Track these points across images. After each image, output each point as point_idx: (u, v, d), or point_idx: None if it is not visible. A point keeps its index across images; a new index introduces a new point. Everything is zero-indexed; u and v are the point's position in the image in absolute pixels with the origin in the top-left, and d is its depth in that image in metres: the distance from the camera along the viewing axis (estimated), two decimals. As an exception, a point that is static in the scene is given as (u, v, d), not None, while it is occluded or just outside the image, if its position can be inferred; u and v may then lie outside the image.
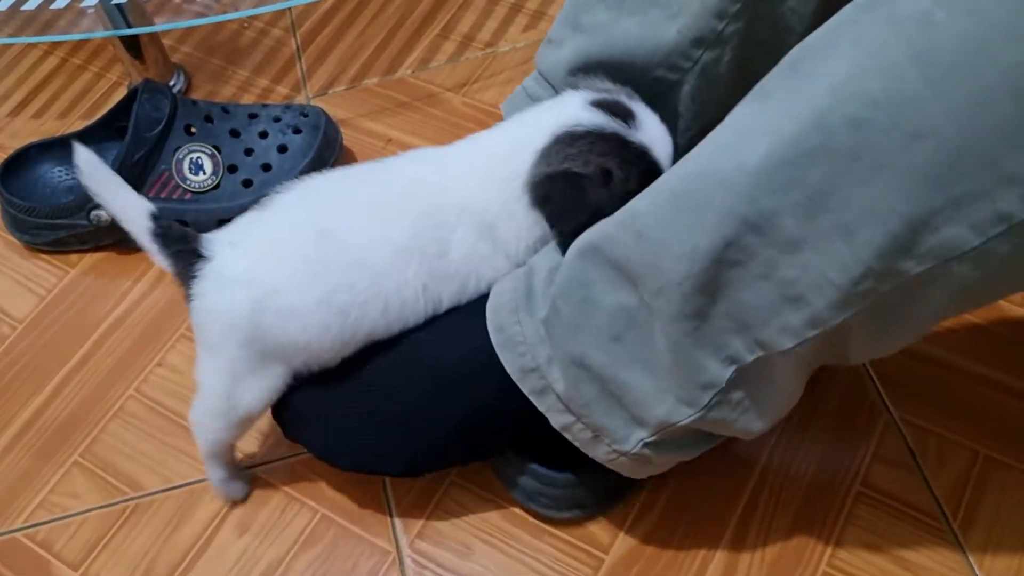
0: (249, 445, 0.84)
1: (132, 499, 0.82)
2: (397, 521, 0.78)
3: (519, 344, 0.66)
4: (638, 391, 0.62)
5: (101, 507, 0.82)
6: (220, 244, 0.68)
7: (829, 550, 0.74)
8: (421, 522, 0.78)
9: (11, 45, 1.19)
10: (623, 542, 0.76)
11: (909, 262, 0.50)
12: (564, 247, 0.65)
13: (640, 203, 0.59)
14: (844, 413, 0.80)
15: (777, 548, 0.74)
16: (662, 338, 0.59)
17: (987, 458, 0.77)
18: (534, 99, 0.78)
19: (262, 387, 0.70)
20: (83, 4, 0.97)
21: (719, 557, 0.74)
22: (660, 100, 0.72)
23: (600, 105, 0.67)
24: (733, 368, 0.58)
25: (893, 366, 0.82)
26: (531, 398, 0.66)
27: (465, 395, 0.69)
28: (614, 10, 0.72)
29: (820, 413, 0.80)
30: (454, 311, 0.70)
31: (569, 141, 0.66)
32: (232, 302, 0.66)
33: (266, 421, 0.84)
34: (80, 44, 1.20)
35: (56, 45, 1.20)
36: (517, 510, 0.78)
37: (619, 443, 0.65)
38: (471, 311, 0.69)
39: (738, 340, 0.57)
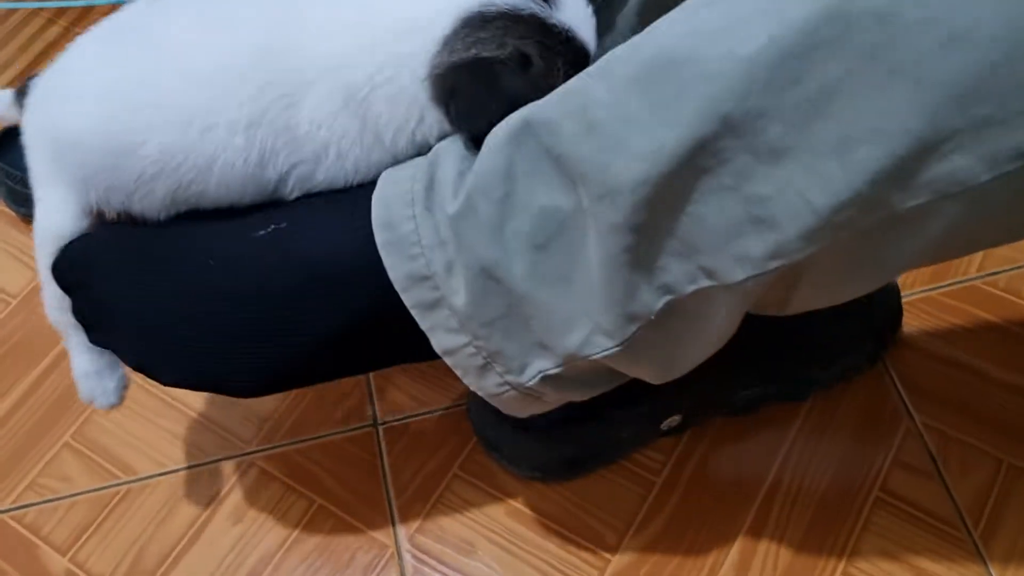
0: (246, 430, 0.81)
1: (124, 483, 0.79)
2: (397, 514, 0.76)
3: (411, 245, 0.54)
4: (553, 313, 0.53)
5: (92, 491, 0.79)
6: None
7: (845, 557, 0.71)
8: (422, 516, 0.75)
9: (13, 12, 1.16)
10: (631, 543, 0.73)
11: (903, 193, 0.44)
12: (475, 146, 0.55)
13: (594, 88, 0.49)
14: (864, 416, 0.77)
15: (791, 553, 0.71)
16: (596, 251, 0.51)
17: (1012, 467, 0.74)
18: None
19: (50, 206, 0.60)
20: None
21: (730, 561, 0.71)
22: (596, 10, 0.61)
23: None
24: (666, 299, 0.51)
25: (917, 369, 0.79)
26: (413, 312, 0.56)
27: (338, 298, 0.57)
28: None
29: (839, 415, 0.77)
30: (326, 195, 0.59)
31: (480, 24, 0.55)
32: (34, 94, 0.61)
33: (263, 405, 0.82)
34: (85, 13, 1.17)
35: (60, 13, 1.17)
36: (523, 507, 0.75)
37: (514, 373, 0.56)
38: (353, 197, 0.58)
39: (680, 265, 0.49)
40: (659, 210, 0.48)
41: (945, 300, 0.83)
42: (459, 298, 0.55)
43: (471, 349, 0.56)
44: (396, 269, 0.55)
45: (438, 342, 0.57)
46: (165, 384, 0.60)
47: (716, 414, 0.76)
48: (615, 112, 0.48)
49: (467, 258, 0.54)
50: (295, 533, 0.75)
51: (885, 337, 0.78)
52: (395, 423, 0.80)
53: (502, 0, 0.55)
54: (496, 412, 0.74)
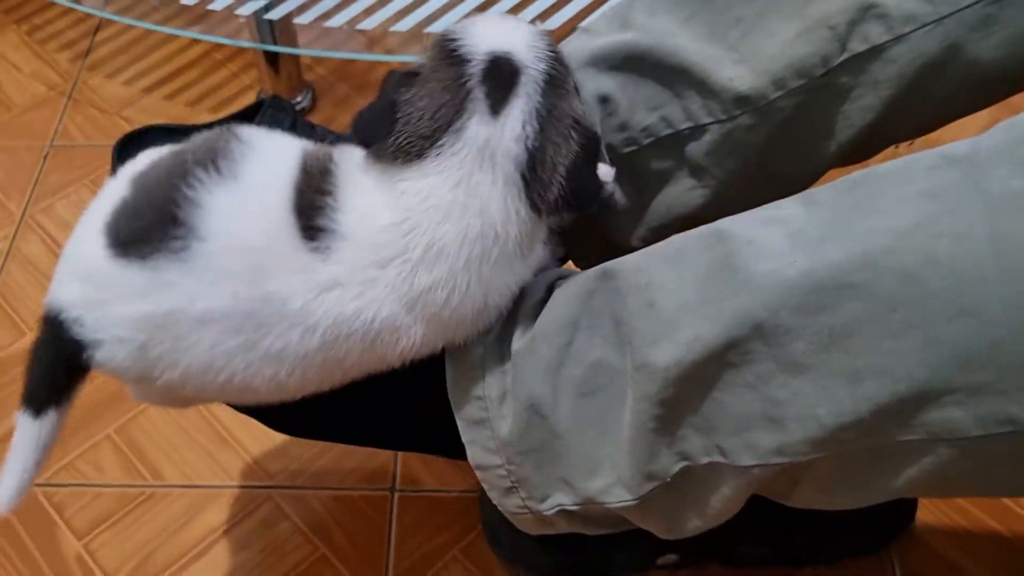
0: (273, 464, 0.85)
1: (150, 486, 0.84)
2: (391, 581, 0.79)
3: (475, 367, 0.61)
4: (583, 456, 0.59)
5: (120, 485, 0.84)
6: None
7: None
8: (414, 588, 0.78)
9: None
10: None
11: (901, 428, 0.49)
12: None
13: (663, 273, 0.55)
14: (857, 598, 0.78)
15: None
16: (629, 411, 0.57)
17: None
18: None
19: None
20: (238, 11, 1.02)
21: None
22: (671, 141, 0.67)
23: (490, 95, 0.54)
24: (682, 465, 0.56)
25: (920, 565, 0.79)
26: (460, 423, 0.62)
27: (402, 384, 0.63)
28: (677, 23, 0.67)
29: (833, 592, 0.78)
30: None
31: (537, 160, 0.55)
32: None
33: (295, 444, 0.86)
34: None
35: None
36: (509, 604, 0.78)
37: (535, 501, 0.62)
38: None
39: (698, 439, 0.55)
40: (687, 390, 0.54)
41: (963, 503, 0.84)
42: (504, 425, 0.61)
43: (502, 471, 0.62)
44: (455, 382, 0.62)
45: (474, 456, 0.63)
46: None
47: (714, 561, 0.78)
48: (673, 297, 0.54)
49: (520, 391, 0.60)
50: (293, 574, 0.79)
51: (896, 527, 0.79)
52: (411, 493, 0.83)
53: (515, 126, 0.54)
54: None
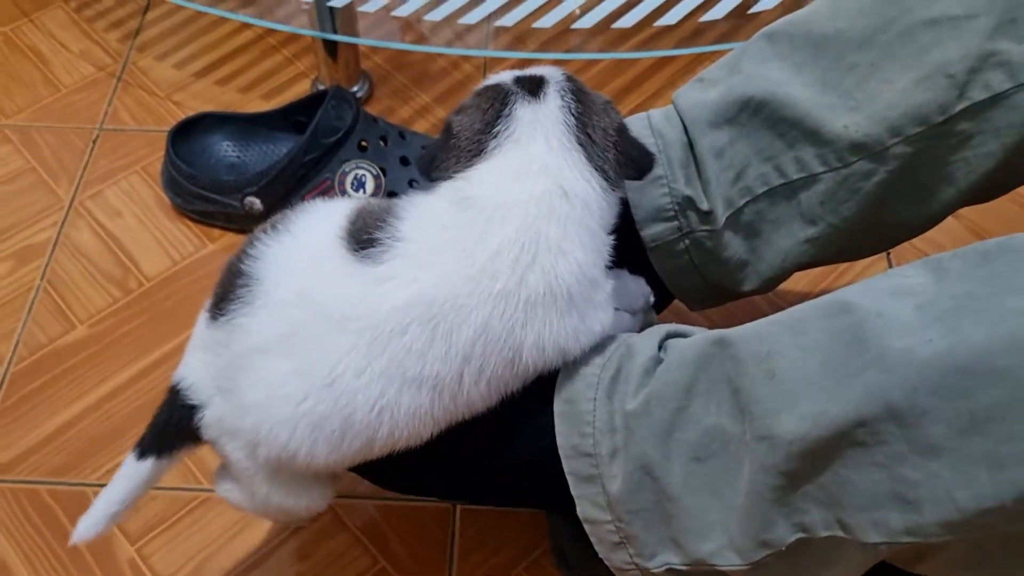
0: (331, 472, 0.82)
1: (205, 490, 0.81)
2: (454, 598, 0.76)
3: (585, 424, 0.61)
4: (694, 519, 0.58)
5: (174, 489, 0.82)
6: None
7: None
8: (477, 607, 0.76)
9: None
10: None
11: None
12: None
13: (783, 341, 0.55)
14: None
15: None
16: (746, 479, 0.56)
17: None
18: (655, 132, 0.71)
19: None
20: (301, -2, 0.98)
21: None
22: (786, 190, 0.68)
23: (526, 89, 0.60)
24: (799, 536, 0.55)
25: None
26: (569, 478, 0.62)
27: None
28: (789, 71, 0.68)
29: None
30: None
31: (584, 126, 0.60)
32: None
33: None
34: (278, 24, 1.22)
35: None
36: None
37: (643, 558, 0.62)
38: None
39: (819, 512, 0.54)
40: (810, 464, 0.52)
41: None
42: (615, 484, 0.60)
43: (611, 527, 0.62)
44: (564, 438, 0.61)
45: (583, 511, 0.62)
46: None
47: None
48: (795, 369, 0.53)
49: (632, 452, 0.59)
50: (352, 587, 0.77)
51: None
52: (474, 505, 0.81)
53: (555, 99, 0.60)
54: (575, 528, 0.74)
